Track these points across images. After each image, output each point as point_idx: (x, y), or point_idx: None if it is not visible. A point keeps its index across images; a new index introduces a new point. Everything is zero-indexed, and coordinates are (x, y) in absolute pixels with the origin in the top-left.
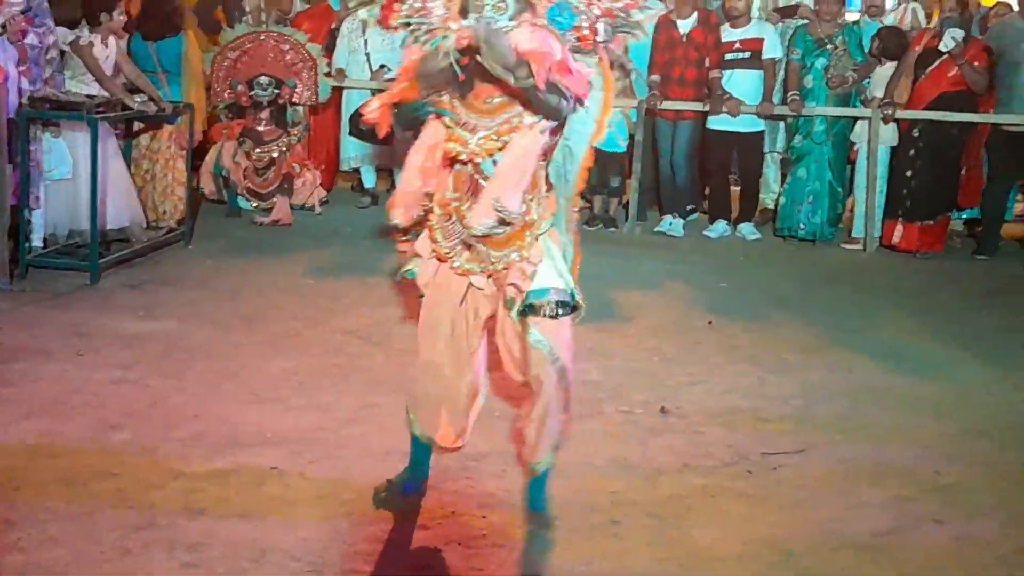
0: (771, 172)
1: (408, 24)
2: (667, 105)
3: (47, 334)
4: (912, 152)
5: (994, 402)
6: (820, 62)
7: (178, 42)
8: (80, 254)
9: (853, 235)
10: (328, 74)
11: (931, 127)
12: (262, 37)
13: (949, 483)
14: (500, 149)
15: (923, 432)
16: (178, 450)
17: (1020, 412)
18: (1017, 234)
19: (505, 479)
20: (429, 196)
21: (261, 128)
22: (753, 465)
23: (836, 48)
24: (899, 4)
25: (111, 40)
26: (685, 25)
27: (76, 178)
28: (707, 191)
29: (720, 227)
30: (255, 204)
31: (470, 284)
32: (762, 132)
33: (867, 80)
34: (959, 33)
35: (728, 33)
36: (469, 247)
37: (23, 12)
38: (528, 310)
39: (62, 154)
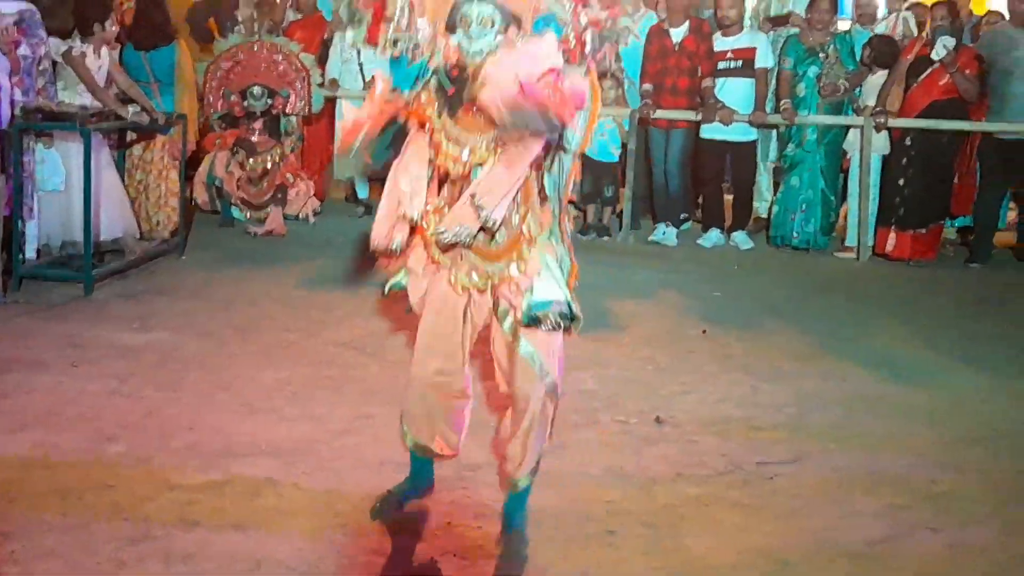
0: (764, 181)
1: (396, 43)
2: (660, 114)
3: (41, 345)
4: (904, 160)
5: (988, 410)
6: (812, 71)
7: (171, 52)
8: (74, 265)
9: (846, 244)
10: (321, 84)
11: (923, 135)
12: (255, 47)
13: (943, 491)
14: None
15: (917, 440)
16: (173, 461)
17: (1014, 420)
18: (1010, 242)
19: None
20: (408, 219)
21: (254, 138)
22: (747, 474)
23: (828, 57)
24: (890, 12)
25: (104, 51)
26: (677, 34)
27: (69, 189)
28: (700, 200)
29: (713, 236)
30: (249, 214)
31: (470, 298)
32: (755, 141)
33: (859, 89)
34: (950, 41)
35: (720, 42)
36: (468, 260)
37: (16, 23)
38: (532, 322)
39: (55, 165)
